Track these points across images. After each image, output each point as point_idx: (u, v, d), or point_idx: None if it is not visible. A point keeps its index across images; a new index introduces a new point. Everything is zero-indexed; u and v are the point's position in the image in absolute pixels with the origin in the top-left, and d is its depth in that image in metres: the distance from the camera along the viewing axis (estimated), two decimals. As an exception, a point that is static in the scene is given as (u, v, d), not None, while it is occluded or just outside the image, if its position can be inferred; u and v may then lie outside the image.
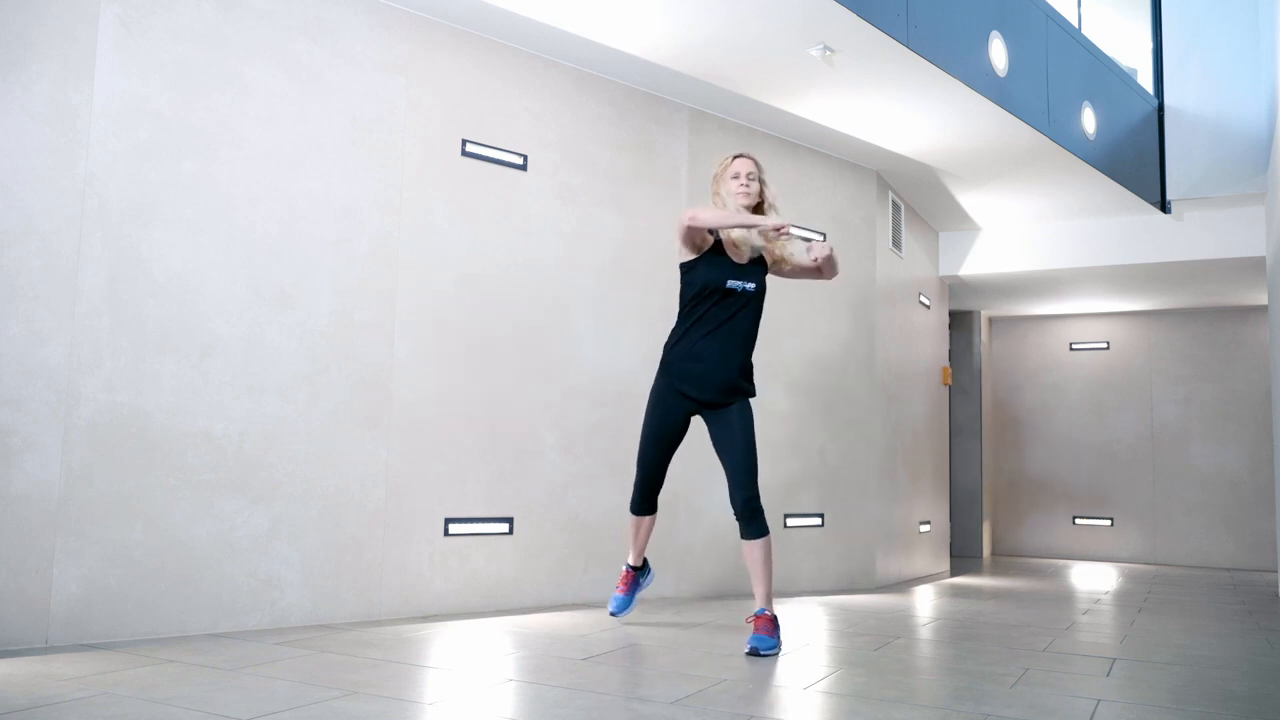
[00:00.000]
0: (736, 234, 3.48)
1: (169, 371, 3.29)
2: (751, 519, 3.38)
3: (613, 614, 3.78)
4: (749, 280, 3.48)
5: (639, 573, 3.83)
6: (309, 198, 3.67)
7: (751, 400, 3.53)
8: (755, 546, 3.39)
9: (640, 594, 3.86)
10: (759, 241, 3.56)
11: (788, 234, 3.33)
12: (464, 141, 4.15)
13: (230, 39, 3.51)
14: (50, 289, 3.08)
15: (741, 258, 3.50)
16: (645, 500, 3.70)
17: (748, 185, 3.48)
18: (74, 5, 3.17)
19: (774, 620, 3.32)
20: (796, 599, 4.87)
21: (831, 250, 3.46)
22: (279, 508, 3.51)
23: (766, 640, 3.24)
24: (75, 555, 3.06)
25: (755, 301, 3.50)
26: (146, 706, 2.29)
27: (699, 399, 3.48)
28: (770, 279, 3.62)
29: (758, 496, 3.40)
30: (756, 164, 3.54)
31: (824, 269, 3.60)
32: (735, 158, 3.56)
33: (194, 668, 2.75)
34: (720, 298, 3.45)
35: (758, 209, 3.52)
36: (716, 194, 3.56)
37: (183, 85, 3.39)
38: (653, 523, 3.78)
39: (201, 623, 3.30)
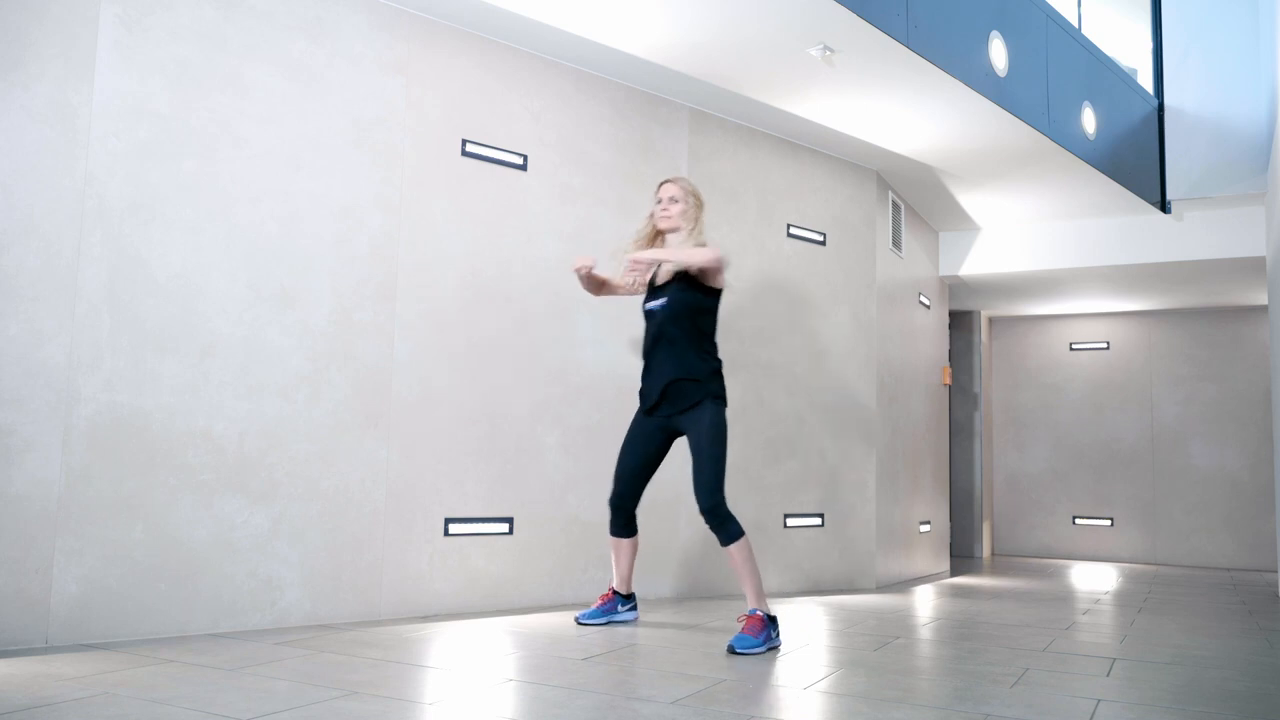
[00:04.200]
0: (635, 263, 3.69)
1: (169, 371, 3.29)
2: (719, 527, 3.47)
3: (578, 620, 3.75)
4: (659, 298, 3.67)
5: (620, 599, 3.82)
6: (309, 198, 3.67)
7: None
8: (731, 552, 3.47)
9: (614, 621, 3.78)
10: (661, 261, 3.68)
11: (636, 270, 3.63)
12: (464, 141, 4.15)
13: (230, 39, 3.51)
14: (50, 289, 3.08)
15: (658, 279, 3.72)
16: (619, 516, 3.77)
17: (667, 209, 3.72)
18: (74, 5, 3.17)
19: (764, 620, 3.34)
20: (796, 599, 4.87)
21: (634, 263, 3.60)
22: (279, 508, 3.51)
23: (745, 639, 3.27)
24: (75, 555, 3.06)
25: (673, 316, 3.61)
26: (146, 706, 2.29)
27: (653, 411, 3.66)
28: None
29: (720, 504, 3.46)
30: (682, 189, 3.74)
31: (641, 277, 3.74)
32: (663, 183, 3.79)
33: (194, 668, 2.75)
34: (648, 320, 3.71)
35: (677, 233, 3.73)
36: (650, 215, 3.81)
37: (183, 85, 3.39)
38: (633, 549, 3.80)
39: (201, 623, 3.30)
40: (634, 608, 3.84)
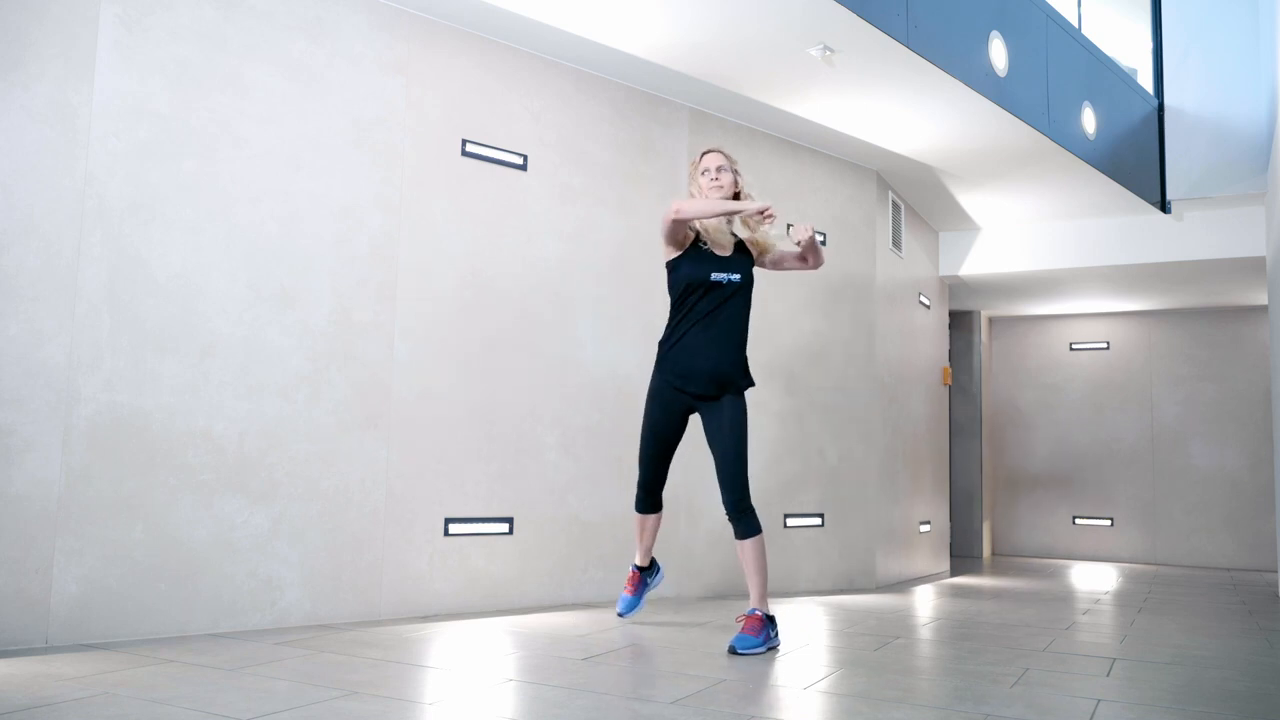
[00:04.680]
0: (712, 224, 3.49)
1: (169, 371, 3.29)
2: (740, 518, 3.42)
3: (620, 614, 3.83)
4: (734, 272, 3.48)
5: (645, 573, 3.86)
6: (309, 198, 3.67)
7: (748, 395, 3.56)
8: (746, 546, 3.42)
9: (650, 593, 3.90)
10: (743, 232, 3.59)
11: (773, 216, 3.33)
12: (464, 141, 4.15)
13: (230, 39, 3.51)
14: (50, 289, 3.08)
15: (724, 250, 3.51)
16: (649, 497, 3.73)
17: (718, 178, 3.52)
18: (74, 5, 3.17)
19: (764, 620, 3.33)
20: (796, 599, 4.87)
21: (813, 231, 3.49)
22: (279, 508, 3.51)
23: (746, 639, 3.26)
24: (75, 555, 3.06)
25: (742, 293, 3.49)
26: (146, 706, 2.29)
27: (692, 392, 3.49)
28: (757, 271, 3.66)
29: (746, 497, 3.43)
30: (726, 156, 3.57)
31: (808, 255, 3.64)
32: (705, 153, 3.59)
33: (194, 668, 2.75)
34: (706, 291, 3.45)
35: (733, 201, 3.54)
36: (692, 194, 3.60)
37: (183, 85, 3.39)
38: (658, 521, 3.81)
39: (201, 623, 3.30)
40: (658, 570, 3.90)
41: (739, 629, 3.36)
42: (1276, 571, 6.77)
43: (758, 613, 3.35)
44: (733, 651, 3.21)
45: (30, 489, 3.00)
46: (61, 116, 3.13)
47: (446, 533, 3.96)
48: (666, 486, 3.89)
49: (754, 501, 5.00)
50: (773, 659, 3.18)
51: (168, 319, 3.31)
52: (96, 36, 3.21)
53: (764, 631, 3.31)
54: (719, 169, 3.53)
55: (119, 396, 3.19)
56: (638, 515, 3.78)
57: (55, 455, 3.05)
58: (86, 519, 3.10)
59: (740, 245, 3.59)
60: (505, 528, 4.14)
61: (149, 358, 3.26)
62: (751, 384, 3.55)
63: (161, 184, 3.33)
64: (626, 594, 3.84)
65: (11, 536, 2.96)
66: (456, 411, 4.03)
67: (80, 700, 2.33)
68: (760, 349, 5.19)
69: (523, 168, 4.33)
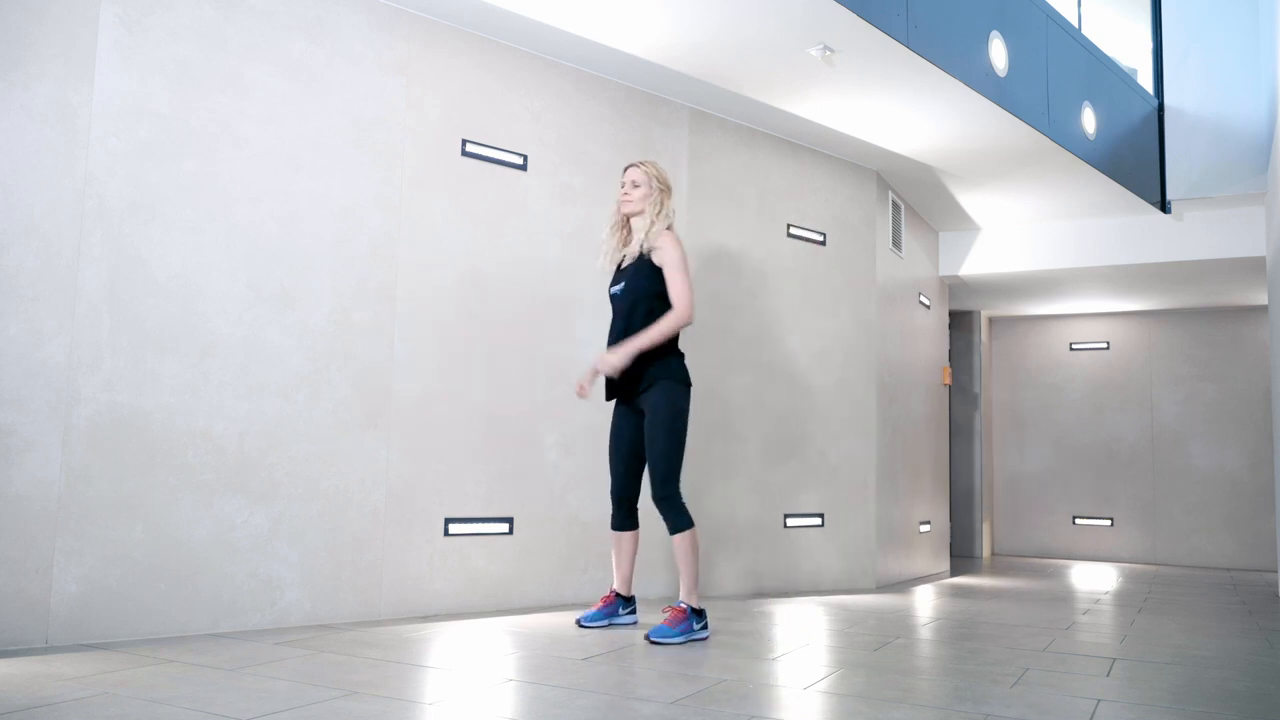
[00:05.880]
0: (606, 239, 3.82)
1: (169, 371, 3.29)
2: (666, 516, 3.53)
3: (579, 622, 3.69)
4: (620, 283, 3.72)
5: (620, 601, 3.74)
6: (309, 198, 3.67)
7: (684, 391, 3.61)
8: (675, 541, 3.51)
9: (615, 623, 3.69)
10: (646, 245, 3.69)
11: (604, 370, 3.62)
12: (464, 141, 4.15)
13: (230, 39, 3.51)
14: (50, 289, 3.08)
15: (624, 262, 3.75)
16: (616, 509, 3.76)
17: (628, 193, 3.75)
18: (74, 5, 3.17)
19: (687, 613, 3.43)
20: (796, 599, 4.87)
21: (592, 375, 3.72)
22: (279, 508, 3.51)
23: (661, 630, 3.40)
24: (75, 555, 3.06)
25: (628, 302, 3.67)
26: (146, 706, 2.29)
27: (613, 395, 3.70)
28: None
29: (670, 497, 3.51)
30: (647, 173, 3.74)
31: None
32: (626, 167, 3.81)
33: (194, 668, 2.75)
34: (612, 304, 3.77)
35: (640, 217, 3.73)
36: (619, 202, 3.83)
37: (183, 85, 3.39)
38: (634, 546, 3.75)
39: (201, 623, 3.30)
40: (634, 611, 3.78)
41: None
42: (1276, 571, 6.77)
43: (682, 605, 3.45)
44: (649, 640, 3.33)
45: (30, 489, 3.00)
46: (61, 116, 3.13)
47: (446, 533, 3.96)
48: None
49: (753, 502, 5.04)
50: (772, 659, 3.18)
51: (168, 319, 3.31)
52: (96, 36, 3.21)
53: (684, 623, 3.40)
54: (633, 184, 3.74)
55: (119, 396, 3.19)
56: (612, 535, 3.78)
57: (55, 455, 3.05)
58: (86, 519, 3.10)
59: (640, 257, 3.68)
60: (505, 528, 4.14)
61: (149, 358, 3.26)
62: (670, 369, 3.59)
63: (161, 184, 3.33)
64: (594, 608, 3.74)
65: (11, 536, 2.96)
66: (456, 411, 4.03)
67: (80, 700, 2.33)
68: (761, 349, 5.19)
69: (523, 168, 4.33)
